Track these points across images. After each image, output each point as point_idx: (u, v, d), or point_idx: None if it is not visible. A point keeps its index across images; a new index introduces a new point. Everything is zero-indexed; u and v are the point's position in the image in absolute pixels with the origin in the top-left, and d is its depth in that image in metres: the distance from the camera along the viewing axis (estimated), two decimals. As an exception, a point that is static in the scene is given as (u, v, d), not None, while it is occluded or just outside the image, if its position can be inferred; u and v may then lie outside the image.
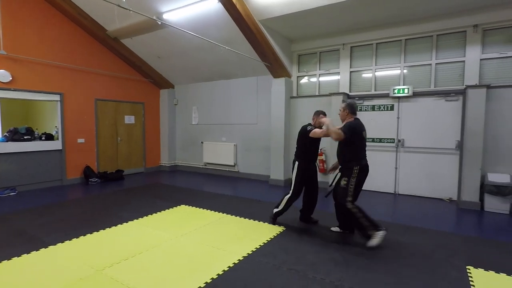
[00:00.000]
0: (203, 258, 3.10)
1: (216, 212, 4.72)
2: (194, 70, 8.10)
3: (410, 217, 4.69)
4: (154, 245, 3.40)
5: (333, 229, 3.93)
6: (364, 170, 3.49)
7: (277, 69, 6.67)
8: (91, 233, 3.76)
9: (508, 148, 4.96)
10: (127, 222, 4.21)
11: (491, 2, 4.86)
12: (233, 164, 8.02)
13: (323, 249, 3.35)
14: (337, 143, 3.67)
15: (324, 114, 4.03)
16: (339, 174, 3.65)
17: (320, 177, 6.72)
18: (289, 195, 4.02)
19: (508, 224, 4.36)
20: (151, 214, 4.57)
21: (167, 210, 4.83)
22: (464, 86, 5.18)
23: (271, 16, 5.56)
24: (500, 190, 4.78)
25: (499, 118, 4.99)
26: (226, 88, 8.11)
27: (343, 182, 3.51)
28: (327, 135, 3.64)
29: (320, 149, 6.56)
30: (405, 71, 5.90)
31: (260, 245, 3.43)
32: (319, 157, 6.57)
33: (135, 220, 4.28)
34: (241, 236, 3.71)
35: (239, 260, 3.06)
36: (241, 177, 7.93)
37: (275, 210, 4.13)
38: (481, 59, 5.21)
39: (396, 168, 6.00)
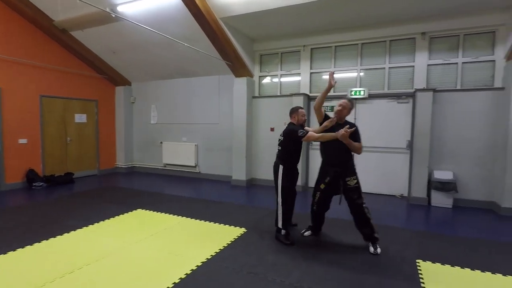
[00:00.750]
0: (159, 266, 2.92)
1: (175, 216, 4.52)
2: (153, 67, 7.74)
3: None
4: (104, 255, 3.14)
5: (306, 234, 3.78)
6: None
7: (238, 68, 6.60)
8: (31, 245, 3.38)
9: (451, 147, 5.38)
10: (74, 230, 3.86)
11: (436, 12, 5.23)
12: (194, 164, 7.80)
13: (284, 250, 3.34)
14: None
15: (302, 108, 3.74)
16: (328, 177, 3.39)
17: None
18: (280, 207, 3.53)
19: (451, 218, 4.73)
20: (103, 221, 4.25)
21: (121, 215, 4.53)
22: (414, 90, 5.52)
23: (231, 14, 5.47)
24: (444, 186, 5.18)
25: (443, 120, 5.39)
26: (187, 87, 7.86)
27: (353, 182, 3.32)
28: (320, 139, 3.33)
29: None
30: (361, 73, 6.15)
31: (220, 249, 3.33)
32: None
33: (84, 228, 3.94)
34: (201, 240, 3.58)
35: (197, 266, 2.93)
36: (202, 178, 7.74)
37: (279, 227, 3.58)
38: (428, 65, 5.59)
39: (353, 167, 6.23)
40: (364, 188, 6.05)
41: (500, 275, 2.82)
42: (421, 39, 5.57)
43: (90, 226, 4.03)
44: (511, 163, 4.74)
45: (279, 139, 3.68)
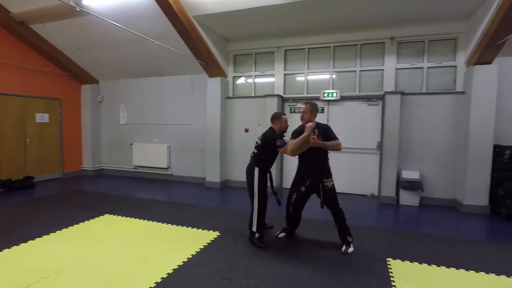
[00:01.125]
0: (126, 276, 2.76)
1: (145, 221, 4.33)
2: (122, 64, 7.41)
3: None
4: (66, 266, 2.92)
5: (280, 236, 3.79)
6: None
7: (212, 68, 6.48)
8: (-18, 257, 3.09)
9: (417, 148, 5.62)
10: (33, 239, 3.57)
11: (404, 18, 5.44)
12: (166, 166, 7.57)
13: (258, 253, 3.30)
14: None
15: (285, 115, 3.75)
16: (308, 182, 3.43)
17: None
18: (256, 210, 3.50)
19: (418, 216, 4.93)
20: (66, 228, 3.98)
21: (86, 221, 4.27)
22: (383, 92, 5.70)
23: (204, 13, 5.35)
24: (411, 185, 5.39)
25: (410, 121, 5.62)
26: (158, 86, 7.61)
27: (330, 183, 3.40)
28: (294, 152, 3.30)
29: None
30: (333, 76, 6.27)
31: (192, 254, 3.22)
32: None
33: (44, 237, 3.66)
34: (172, 246, 3.45)
35: (168, 273, 2.81)
36: (175, 180, 7.53)
37: (253, 230, 3.54)
38: (396, 68, 5.81)
39: (326, 167, 6.33)
40: (337, 188, 6.23)
41: (463, 270, 2.96)
42: (389, 43, 5.77)
43: (52, 234, 3.75)
44: (471, 163, 5.03)
45: (257, 142, 3.65)
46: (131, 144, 7.98)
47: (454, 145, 5.42)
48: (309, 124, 3.20)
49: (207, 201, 5.64)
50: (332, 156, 6.20)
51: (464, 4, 4.78)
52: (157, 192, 6.41)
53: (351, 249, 3.35)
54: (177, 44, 5.92)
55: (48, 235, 3.72)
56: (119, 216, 4.53)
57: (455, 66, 5.49)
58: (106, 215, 4.57)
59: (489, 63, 4.94)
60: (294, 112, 6.47)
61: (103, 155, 8.49)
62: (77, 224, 4.15)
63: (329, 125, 3.60)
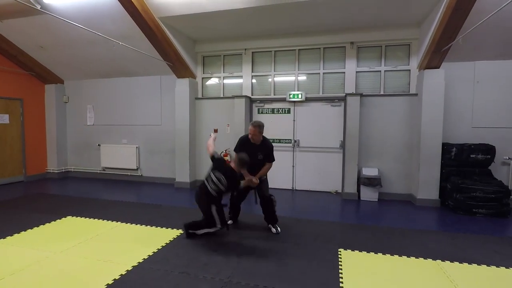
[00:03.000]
0: (84, 274, 2.79)
1: (109, 221, 4.33)
2: (88, 64, 7.26)
3: (302, 210, 5.20)
4: (22, 268, 2.90)
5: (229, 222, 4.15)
6: None
7: (180, 69, 6.53)
8: None
9: (376, 146, 5.97)
10: (-12, 243, 3.49)
11: (362, 25, 5.77)
12: (135, 167, 7.50)
13: (218, 248, 3.42)
14: None
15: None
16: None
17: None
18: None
19: (376, 210, 5.25)
20: (24, 231, 3.90)
21: (47, 224, 4.20)
22: (345, 94, 6.01)
23: (170, 14, 5.40)
24: (371, 182, 5.72)
25: (370, 121, 5.96)
26: (126, 86, 7.52)
27: (264, 177, 4.00)
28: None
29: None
30: (299, 78, 6.51)
31: (153, 252, 3.29)
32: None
33: (0, 240, 3.58)
34: (134, 245, 3.49)
35: (127, 270, 2.87)
36: (144, 181, 7.48)
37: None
38: (356, 71, 6.14)
39: (293, 166, 6.56)
40: (302, 186, 6.51)
41: (405, 256, 3.24)
42: (350, 48, 6.09)
43: (8, 238, 3.67)
44: (424, 159, 5.43)
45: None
46: (98, 145, 7.83)
47: (409, 143, 5.82)
48: (249, 181, 3.79)
49: (175, 201, 5.68)
50: (299, 156, 6.51)
51: (413, 13, 5.17)
52: (125, 193, 6.35)
53: (279, 229, 3.97)
54: (143, 45, 5.92)
55: (4, 238, 3.64)
56: (82, 218, 4.49)
57: (409, 70, 5.90)
58: (69, 217, 4.51)
59: (437, 67, 5.36)
60: (262, 113, 6.66)
61: (69, 157, 8.26)
62: (37, 227, 4.07)
63: (297, 125, 4.10)
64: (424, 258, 3.19)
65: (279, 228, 3.99)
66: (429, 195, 5.45)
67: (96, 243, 3.55)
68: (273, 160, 4.01)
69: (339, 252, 3.33)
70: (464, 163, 5.25)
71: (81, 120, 8.04)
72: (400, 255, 3.27)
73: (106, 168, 7.82)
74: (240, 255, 3.25)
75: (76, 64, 7.30)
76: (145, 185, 7.10)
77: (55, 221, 4.34)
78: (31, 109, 7.60)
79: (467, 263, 3.10)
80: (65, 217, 4.50)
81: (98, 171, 7.92)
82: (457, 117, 5.58)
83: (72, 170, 8.21)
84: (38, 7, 4.54)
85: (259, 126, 3.89)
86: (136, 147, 7.48)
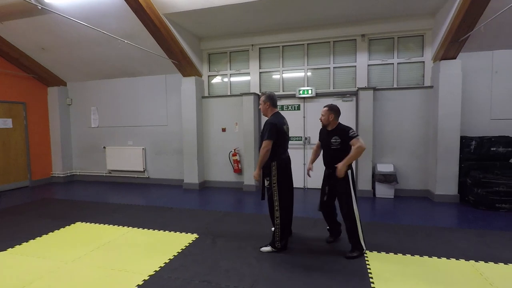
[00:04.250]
0: (98, 286, 2.64)
1: (120, 227, 4.17)
2: (91, 65, 7.09)
3: (316, 210, 5.01)
4: (32, 279, 2.75)
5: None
6: (282, 166, 3.24)
7: (186, 67, 6.35)
8: None
9: (391, 141, 5.79)
10: (-4, 253, 3.34)
11: (373, 16, 5.57)
12: (142, 169, 7.35)
13: (238, 254, 3.25)
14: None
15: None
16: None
17: (234, 178, 6.72)
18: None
19: (394, 207, 5.08)
20: (33, 239, 3.75)
21: (56, 231, 4.05)
22: (356, 88, 5.82)
23: (176, 11, 5.22)
24: (386, 178, 5.54)
25: (383, 115, 5.77)
26: (131, 87, 7.36)
27: (266, 182, 3.28)
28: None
29: (234, 149, 6.55)
30: (308, 73, 6.32)
31: (170, 259, 3.13)
32: (233, 157, 6.54)
33: (8, 250, 3.43)
34: (148, 252, 3.34)
35: (144, 280, 2.71)
36: (152, 183, 7.33)
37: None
38: (368, 65, 5.94)
39: (304, 164, 6.39)
40: (314, 184, 6.33)
41: (435, 258, 3.07)
42: (361, 40, 5.90)
43: (17, 247, 3.52)
44: (441, 154, 5.25)
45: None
46: (104, 147, 7.68)
47: (425, 137, 5.63)
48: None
49: (185, 203, 5.52)
50: (310, 153, 6.30)
51: (428, 2, 4.96)
52: (132, 196, 6.20)
53: (265, 249, 3.29)
54: (148, 43, 5.75)
55: (12, 248, 3.49)
56: (92, 224, 4.34)
57: (423, 61, 5.70)
58: (78, 223, 4.36)
59: (454, 58, 5.17)
60: (270, 110, 6.47)
61: (74, 161, 8.12)
62: (46, 234, 3.92)
63: (308, 122, 3.60)
64: (456, 259, 3.02)
65: (267, 248, 3.29)
66: (448, 190, 5.27)
67: (108, 250, 3.39)
68: (266, 138, 3.16)
69: (365, 255, 3.16)
70: (485, 156, 5.06)
71: (85, 122, 7.89)
72: (430, 256, 3.10)
73: (112, 170, 7.68)
74: (261, 260, 3.09)
75: (78, 65, 7.14)
76: (152, 187, 6.95)
77: (64, 227, 4.19)
78: (34, 113, 7.44)
79: (503, 263, 2.92)
80: (74, 223, 4.35)
81: (104, 174, 7.77)
82: (474, 109, 5.39)
83: (78, 173, 8.07)
84: (39, 6, 4.36)
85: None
86: (143, 149, 7.33)
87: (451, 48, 5.00)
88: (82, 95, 7.85)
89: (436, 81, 5.31)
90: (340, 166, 3.09)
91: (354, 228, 3.15)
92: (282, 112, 6.39)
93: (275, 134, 3.15)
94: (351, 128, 3.22)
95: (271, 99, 3.39)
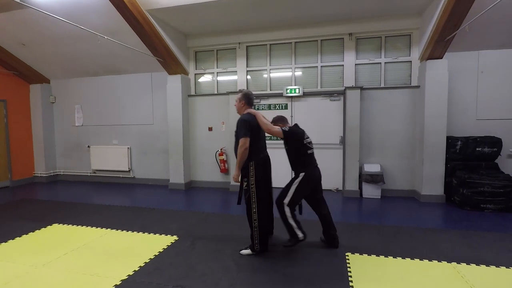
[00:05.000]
0: (67, 291, 2.52)
1: (98, 229, 4.04)
2: (74, 62, 6.91)
3: (303, 210, 4.94)
4: (-2, 285, 2.61)
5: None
6: (260, 165, 3.09)
7: (171, 65, 6.22)
8: None
9: (377, 141, 5.75)
10: (-37, 257, 3.18)
11: (361, 15, 5.52)
12: (127, 169, 7.19)
13: (216, 257, 3.15)
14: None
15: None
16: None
17: (221, 178, 6.62)
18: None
19: (380, 208, 5.04)
20: (5, 242, 3.60)
21: (31, 233, 3.89)
22: (344, 88, 5.77)
23: (159, 7, 5.09)
24: (373, 178, 5.50)
25: (370, 115, 5.73)
26: (116, 85, 7.19)
27: (244, 185, 3.13)
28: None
29: (221, 149, 6.44)
30: (296, 72, 6.25)
31: (145, 262, 3.02)
32: (219, 157, 6.44)
33: (-24, 253, 3.28)
34: (124, 255, 3.22)
35: (115, 285, 2.59)
36: (137, 183, 7.18)
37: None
38: (356, 64, 5.90)
39: (292, 164, 6.31)
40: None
41: (418, 260, 3.02)
42: (348, 39, 5.85)
43: (-13, 250, 3.37)
44: (428, 154, 5.23)
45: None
46: (88, 147, 7.50)
47: (412, 137, 5.61)
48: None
49: (169, 203, 5.40)
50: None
51: (416, 0, 4.92)
52: (116, 197, 6.05)
53: (245, 252, 3.20)
54: (132, 40, 5.61)
55: (-18, 251, 3.34)
56: (69, 225, 4.19)
57: (410, 61, 5.68)
58: (55, 225, 4.21)
59: (440, 58, 5.15)
60: (258, 109, 6.38)
61: (58, 160, 7.91)
62: (19, 237, 3.77)
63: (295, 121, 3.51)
64: (438, 261, 2.97)
65: (246, 251, 3.20)
66: (434, 190, 5.26)
67: (82, 253, 3.26)
68: (242, 136, 3.02)
69: (346, 257, 3.10)
70: (470, 157, 5.05)
71: (69, 121, 7.69)
72: (412, 258, 3.04)
73: (96, 170, 7.50)
74: (239, 264, 3.00)
75: (62, 62, 6.94)
76: (138, 187, 6.80)
77: (39, 229, 4.04)
78: (15, 111, 7.23)
79: (484, 265, 2.88)
80: (50, 225, 4.20)
81: (89, 174, 7.59)
82: (460, 109, 5.38)
83: (61, 173, 7.86)
84: (17, 0, 4.20)
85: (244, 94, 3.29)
86: (128, 148, 7.17)
87: (437, 48, 4.98)
88: (66, 93, 7.65)
89: (423, 81, 5.29)
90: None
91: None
92: (269, 112, 6.36)
93: (249, 131, 3.02)
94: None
95: (247, 98, 3.29)
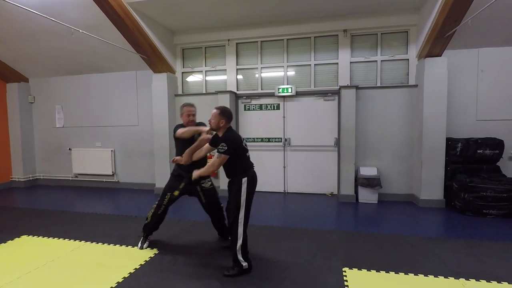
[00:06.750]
0: (21, 322, 2.16)
1: (71, 241, 3.67)
2: (54, 60, 6.50)
3: (295, 217, 4.64)
4: None
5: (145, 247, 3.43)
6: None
7: (157, 63, 5.86)
8: None
9: (374, 142, 5.48)
10: None
11: (356, 11, 5.26)
12: (111, 173, 6.80)
13: (198, 275, 2.81)
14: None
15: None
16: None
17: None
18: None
19: (377, 213, 4.76)
20: (-38, 258, 3.21)
21: (-6, 247, 3.51)
22: (338, 87, 5.49)
23: (141, -1, 4.75)
24: (370, 182, 5.23)
25: (366, 115, 5.46)
26: (98, 84, 6.79)
27: (208, 184, 3.39)
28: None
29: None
30: (288, 70, 5.95)
31: (118, 282, 2.67)
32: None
33: None
34: (95, 273, 2.86)
35: (79, 312, 2.25)
36: (122, 187, 6.78)
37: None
38: (351, 62, 5.63)
39: (284, 167, 6.01)
40: (294, 188, 5.96)
41: (422, 275, 2.73)
42: (343, 36, 5.57)
43: None
44: (426, 156, 4.97)
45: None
46: (69, 149, 7.08)
47: (409, 139, 5.35)
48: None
49: (153, 210, 5.03)
50: (290, 156, 5.96)
51: (413, -5, 4.68)
52: (97, 203, 5.66)
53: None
54: (113, 35, 5.25)
55: None
56: (40, 237, 3.80)
57: (407, 59, 5.43)
58: (23, 237, 3.82)
59: (439, 55, 4.90)
60: (248, 109, 6.08)
61: (37, 164, 7.47)
62: (-20, 251, 3.38)
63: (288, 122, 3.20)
64: (444, 277, 2.69)
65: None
66: (433, 195, 5.00)
67: (48, 272, 2.89)
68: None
69: (343, 273, 2.79)
70: (471, 159, 4.81)
71: (49, 122, 7.26)
72: (416, 273, 2.75)
73: (78, 174, 7.09)
74: (223, 281, 2.67)
75: (40, 59, 6.53)
76: (122, 192, 6.42)
77: (5, 242, 3.64)
78: (-10, 111, 6.78)
79: (496, 281, 2.60)
80: (18, 237, 3.81)
81: (70, 178, 7.17)
82: (460, 109, 5.15)
83: (41, 177, 7.43)
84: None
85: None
86: (111, 151, 6.77)
87: (436, 45, 4.73)
88: (46, 93, 7.22)
89: (421, 80, 5.04)
90: (196, 173, 2.91)
91: (234, 242, 2.78)
92: (260, 112, 6.06)
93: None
94: (226, 141, 2.73)
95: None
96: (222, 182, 5.77)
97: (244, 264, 2.78)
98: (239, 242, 2.75)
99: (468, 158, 4.82)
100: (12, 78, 7.01)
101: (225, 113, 2.82)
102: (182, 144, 3.27)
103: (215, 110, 2.83)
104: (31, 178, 7.32)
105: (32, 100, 7.31)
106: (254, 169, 2.94)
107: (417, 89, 5.20)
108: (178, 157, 3.25)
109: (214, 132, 2.95)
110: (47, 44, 5.92)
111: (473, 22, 4.05)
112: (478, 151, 4.76)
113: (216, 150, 2.77)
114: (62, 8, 4.85)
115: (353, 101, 5.27)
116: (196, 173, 2.92)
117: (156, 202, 3.41)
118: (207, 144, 3.04)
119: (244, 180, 2.77)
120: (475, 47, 5.03)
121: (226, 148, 2.68)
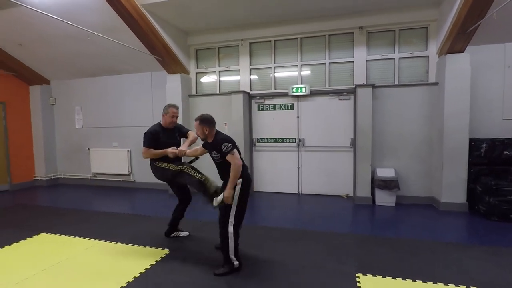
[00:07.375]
0: (33, 319, 2.20)
1: (86, 239, 3.74)
2: (73, 63, 6.69)
3: (309, 219, 4.55)
4: (-42, 309, 2.32)
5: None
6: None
7: (170, 64, 5.91)
8: None
9: (391, 143, 5.28)
10: None
11: (372, 7, 5.09)
12: (127, 173, 6.93)
13: (207, 276, 2.79)
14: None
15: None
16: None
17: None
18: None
19: (395, 217, 4.58)
20: (-17, 254, 3.33)
21: (14, 244, 3.62)
22: (354, 86, 5.33)
23: (154, 1, 4.78)
24: (387, 184, 5.04)
25: (383, 115, 5.28)
26: (115, 85, 6.94)
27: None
28: None
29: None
30: (302, 69, 5.85)
31: (128, 282, 2.68)
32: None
33: None
34: (105, 273, 2.88)
35: (89, 312, 2.26)
36: (138, 187, 6.90)
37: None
38: (367, 60, 5.46)
39: (298, 168, 5.91)
40: (308, 190, 5.85)
41: (442, 284, 2.58)
42: (359, 33, 5.41)
43: (-39, 264, 3.10)
44: (448, 157, 4.74)
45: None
46: (88, 149, 7.28)
47: (429, 139, 5.12)
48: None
49: (167, 211, 5.01)
50: (305, 156, 5.86)
51: (434, -11, 4.47)
52: (113, 202, 5.79)
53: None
54: (129, 38, 5.32)
55: (-43, 265, 3.07)
56: (57, 235, 3.91)
57: (427, 56, 5.20)
58: (42, 234, 3.94)
59: (461, 51, 4.66)
60: (262, 109, 6.03)
61: (59, 163, 7.72)
62: (1, 247, 3.50)
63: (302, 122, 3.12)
64: (466, 287, 2.52)
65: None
66: (455, 198, 4.76)
67: (61, 270, 2.95)
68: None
69: (357, 279, 2.68)
70: (497, 160, 4.54)
71: (69, 123, 7.49)
72: (435, 282, 2.60)
73: (96, 174, 7.27)
74: (232, 285, 2.62)
75: (60, 62, 6.74)
76: (137, 192, 6.53)
77: (24, 239, 3.76)
78: (15, 113, 7.07)
79: (523, 293, 2.42)
80: (37, 234, 3.93)
81: (89, 178, 7.37)
82: (485, 108, 4.87)
83: (62, 177, 7.68)
84: (6, -3, 3.95)
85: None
86: (128, 151, 6.90)
87: (458, 41, 4.49)
88: (66, 94, 7.46)
89: (442, 77, 4.80)
90: (226, 193, 2.72)
91: (225, 240, 2.77)
92: (274, 112, 5.98)
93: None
94: (225, 141, 2.73)
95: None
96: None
97: (236, 263, 2.80)
98: (231, 242, 2.76)
99: (493, 160, 4.55)
100: (34, 81, 7.29)
101: (204, 121, 2.86)
102: (162, 145, 3.59)
103: (195, 123, 2.91)
104: (52, 177, 7.59)
105: (54, 101, 7.57)
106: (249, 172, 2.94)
107: (438, 87, 4.97)
108: (172, 149, 3.44)
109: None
110: (66, 47, 6.09)
111: (498, 15, 3.81)
112: (505, 152, 4.49)
113: (219, 157, 2.77)
114: (79, 12, 4.97)
115: (370, 100, 5.10)
116: (227, 190, 2.73)
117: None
118: (200, 146, 3.22)
119: (239, 181, 2.76)
120: (501, 42, 4.75)
121: (230, 145, 2.71)
